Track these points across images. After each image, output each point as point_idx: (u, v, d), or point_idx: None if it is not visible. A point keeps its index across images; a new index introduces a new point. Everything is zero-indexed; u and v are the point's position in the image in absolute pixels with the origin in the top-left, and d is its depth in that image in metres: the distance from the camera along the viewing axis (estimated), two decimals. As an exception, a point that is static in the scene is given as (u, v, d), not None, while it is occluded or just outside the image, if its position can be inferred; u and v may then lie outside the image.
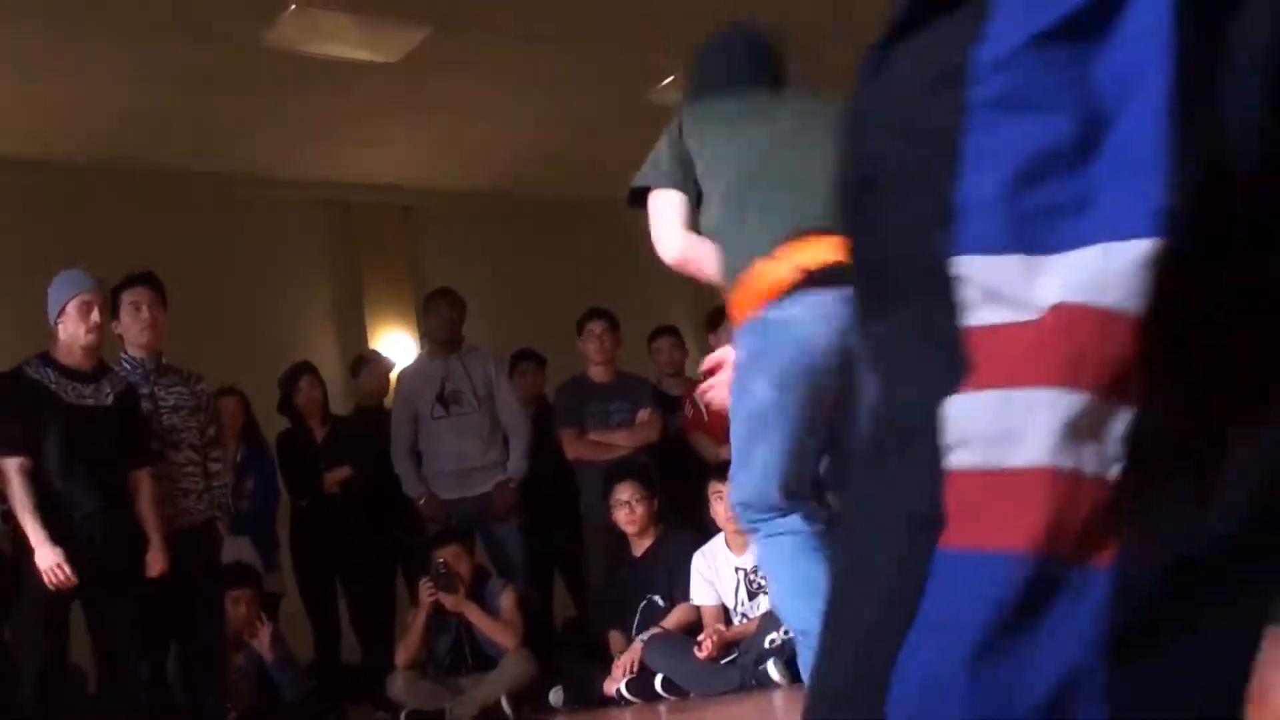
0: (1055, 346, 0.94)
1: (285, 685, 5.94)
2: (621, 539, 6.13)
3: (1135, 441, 0.93)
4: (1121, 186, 0.95)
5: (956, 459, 0.97)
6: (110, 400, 4.87)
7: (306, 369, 6.84)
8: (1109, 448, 0.93)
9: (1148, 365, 0.93)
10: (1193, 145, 0.95)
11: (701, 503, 5.91)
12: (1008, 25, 1.00)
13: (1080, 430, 0.93)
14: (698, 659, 5.48)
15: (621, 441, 6.48)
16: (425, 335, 7.30)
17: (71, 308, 4.81)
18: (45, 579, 4.56)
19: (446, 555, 5.95)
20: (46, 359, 4.84)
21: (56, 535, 4.61)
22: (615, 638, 6.00)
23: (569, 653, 6.40)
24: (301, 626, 6.65)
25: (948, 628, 0.95)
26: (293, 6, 6.11)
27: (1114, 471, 0.93)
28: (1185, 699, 0.94)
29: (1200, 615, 0.94)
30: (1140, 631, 0.92)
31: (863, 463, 1.10)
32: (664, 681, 5.54)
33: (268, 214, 8.46)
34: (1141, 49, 0.99)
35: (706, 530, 5.92)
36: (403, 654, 6.02)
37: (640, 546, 6.07)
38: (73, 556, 4.60)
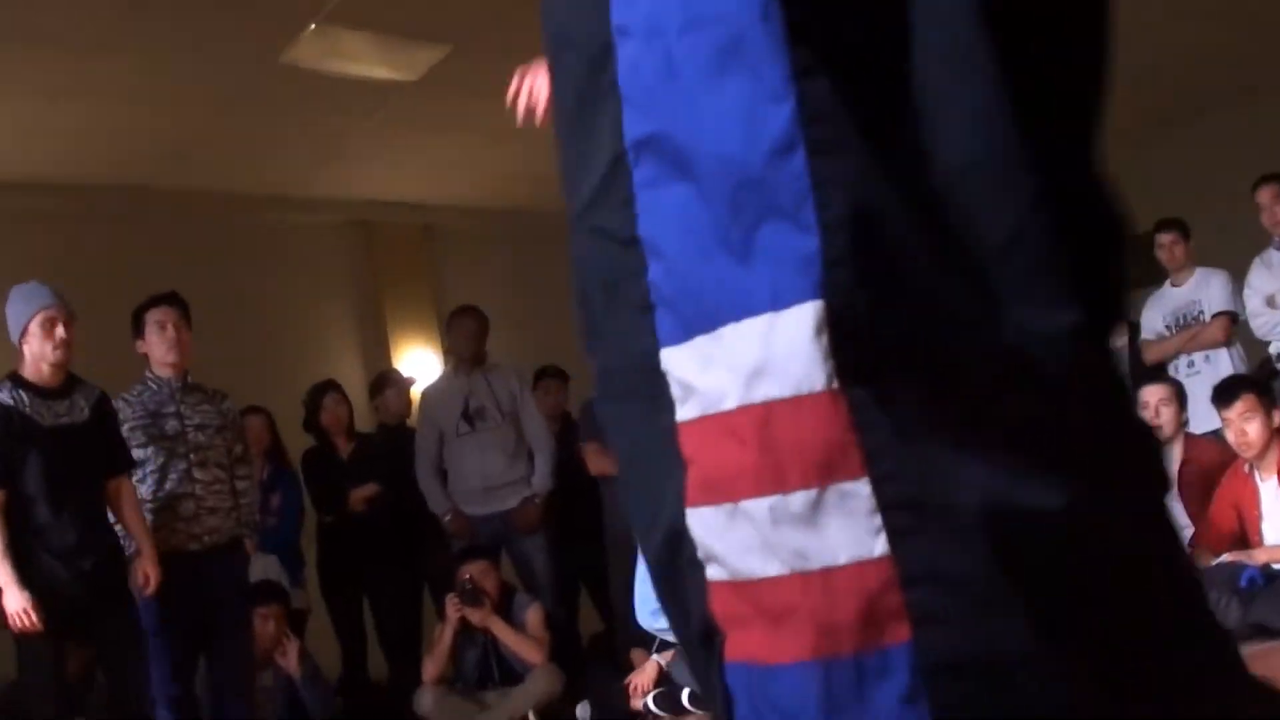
0: (752, 453, 0.84)
1: (313, 702, 5.93)
2: (647, 553, 6.10)
3: (890, 507, 0.82)
4: (775, 242, 0.84)
5: (712, 573, 0.90)
6: (86, 414, 4.72)
7: (331, 386, 6.86)
8: (859, 525, 0.83)
9: (865, 431, 0.82)
10: (843, 174, 0.83)
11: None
12: (638, 102, 0.92)
13: (814, 525, 0.83)
14: (725, 672, 5.46)
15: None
16: (449, 352, 7.29)
17: (35, 325, 4.62)
18: (10, 622, 4.38)
19: (473, 571, 5.95)
20: (18, 380, 4.64)
21: (44, 568, 4.47)
22: (638, 655, 5.97)
23: (596, 667, 6.38)
24: (328, 643, 6.66)
25: None
26: (312, 26, 6.12)
27: (879, 547, 0.82)
28: None
29: (1009, 655, 0.85)
30: (958, 691, 0.84)
31: (652, 576, 1.03)
32: (691, 695, 5.51)
33: (289, 233, 8.48)
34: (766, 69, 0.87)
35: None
36: (430, 669, 6.00)
37: (665, 561, 6.05)
38: (64, 588, 4.50)
